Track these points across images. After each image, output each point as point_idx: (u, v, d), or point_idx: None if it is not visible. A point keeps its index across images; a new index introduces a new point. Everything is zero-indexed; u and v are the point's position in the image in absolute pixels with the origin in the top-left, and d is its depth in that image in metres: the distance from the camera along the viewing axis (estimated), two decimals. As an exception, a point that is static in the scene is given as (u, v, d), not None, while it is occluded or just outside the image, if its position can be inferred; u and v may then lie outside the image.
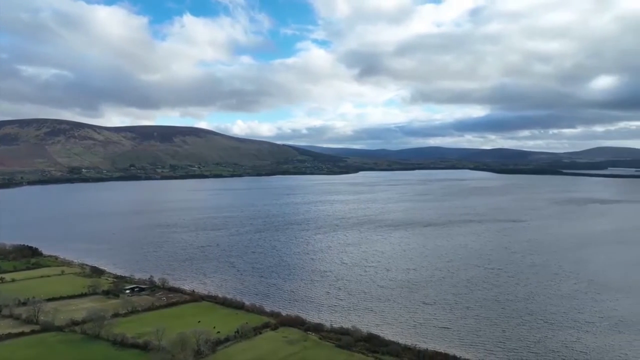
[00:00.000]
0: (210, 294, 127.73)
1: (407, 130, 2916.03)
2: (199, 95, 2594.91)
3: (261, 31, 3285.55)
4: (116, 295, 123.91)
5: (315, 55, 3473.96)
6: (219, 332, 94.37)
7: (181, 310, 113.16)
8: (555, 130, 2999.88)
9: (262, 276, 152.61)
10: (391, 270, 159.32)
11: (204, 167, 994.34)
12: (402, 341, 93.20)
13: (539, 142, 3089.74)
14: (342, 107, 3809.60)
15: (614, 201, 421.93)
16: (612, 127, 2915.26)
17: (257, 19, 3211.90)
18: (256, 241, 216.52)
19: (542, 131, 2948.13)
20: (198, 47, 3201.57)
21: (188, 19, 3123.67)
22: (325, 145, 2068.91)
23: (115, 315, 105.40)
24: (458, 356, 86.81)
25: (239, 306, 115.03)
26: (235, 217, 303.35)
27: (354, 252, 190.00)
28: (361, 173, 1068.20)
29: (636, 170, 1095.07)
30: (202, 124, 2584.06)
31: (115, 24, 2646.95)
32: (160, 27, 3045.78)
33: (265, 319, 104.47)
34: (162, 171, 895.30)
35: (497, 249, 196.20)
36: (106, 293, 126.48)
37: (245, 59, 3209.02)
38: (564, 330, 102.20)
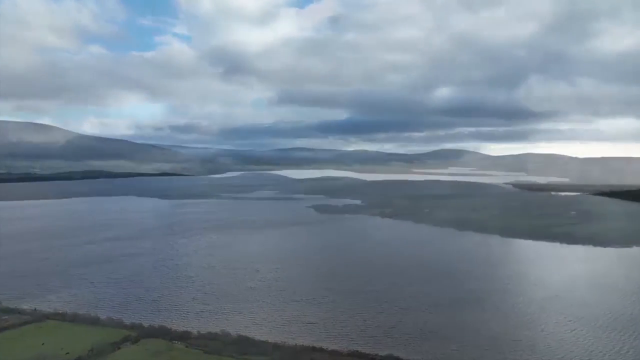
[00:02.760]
0: (57, 311, 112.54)
1: (274, 131, 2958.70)
2: (39, 86, 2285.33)
3: (114, 20, 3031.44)
4: None
5: (177, 50, 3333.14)
6: (68, 353, 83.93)
7: (19, 333, 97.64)
8: (407, 134, 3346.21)
9: (119, 287, 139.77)
10: (260, 270, 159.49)
11: (48, 168, 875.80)
12: (271, 340, 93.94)
13: (394, 144, 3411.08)
14: (208, 106, 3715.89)
15: (452, 196, 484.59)
16: (451, 132, 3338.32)
17: (108, 6, 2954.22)
18: (112, 249, 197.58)
19: (396, 134, 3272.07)
20: (35, 30, 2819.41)
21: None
22: (191, 145, 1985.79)
23: None
24: (325, 348, 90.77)
25: (93, 322, 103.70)
26: (87, 224, 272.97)
27: (223, 255, 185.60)
28: (229, 173, 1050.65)
29: (470, 170, 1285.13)
30: (46, 120, 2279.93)
31: None
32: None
33: (125, 333, 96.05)
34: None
35: (359, 242, 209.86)
36: None
37: (96, 49, 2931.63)
38: (416, 314, 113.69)
